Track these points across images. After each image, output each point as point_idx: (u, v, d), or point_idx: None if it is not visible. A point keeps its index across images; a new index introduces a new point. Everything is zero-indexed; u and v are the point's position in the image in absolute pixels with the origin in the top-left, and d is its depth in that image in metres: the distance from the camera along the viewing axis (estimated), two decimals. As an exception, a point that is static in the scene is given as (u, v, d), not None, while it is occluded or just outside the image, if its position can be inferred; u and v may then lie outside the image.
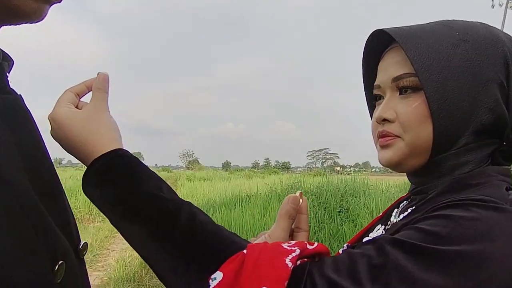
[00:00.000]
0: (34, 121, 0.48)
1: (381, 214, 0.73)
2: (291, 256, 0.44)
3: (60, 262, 0.41)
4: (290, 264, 0.43)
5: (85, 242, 0.50)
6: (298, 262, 0.45)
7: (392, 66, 0.60)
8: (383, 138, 0.60)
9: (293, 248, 0.46)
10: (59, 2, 0.47)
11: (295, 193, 0.60)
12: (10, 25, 0.45)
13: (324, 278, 0.43)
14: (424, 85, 0.54)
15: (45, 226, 0.41)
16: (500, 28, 0.65)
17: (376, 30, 0.62)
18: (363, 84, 0.71)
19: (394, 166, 0.60)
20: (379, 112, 0.60)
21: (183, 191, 13.30)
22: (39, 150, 0.47)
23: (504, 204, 0.46)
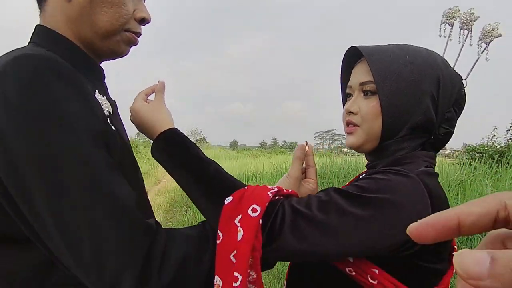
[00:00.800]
0: (121, 117, 0.83)
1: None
2: (272, 191, 0.69)
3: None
4: (270, 195, 0.67)
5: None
6: (277, 197, 0.70)
7: (361, 73, 0.81)
8: (348, 127, 0.83)
9: (274, 188, 0.70)
10: (136, 45, 0.79)
11: (302, 143, 0.86)
12: (107, 60, 0.81)
13: (290, 205, 0.67)
14: (379, 92, 0.76)
15: (141, 176, 0.82)
16: (442, 53, 0.86)
17: (352, 46, 0.84)
18: (340, 84, 0.93)
19: (356, 148, 0.82)
20: (347, 106, 0.82)
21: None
22: (126, 135, 0.82)
23: (410, 173, 0.69)
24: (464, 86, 0.83)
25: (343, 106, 0.90)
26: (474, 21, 0.82)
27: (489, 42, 0.80)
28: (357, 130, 0.81)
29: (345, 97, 0.89)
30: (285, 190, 0.72)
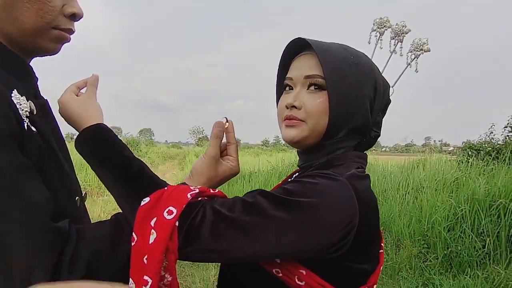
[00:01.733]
0: (54, 116, 0.81)
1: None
2: (192, 193, 0.67)
3: (77, 198, 0.78)
4: (189, 197, 0.66)
5: (85, 192, 0.85)
6: (200, 198, 0.68)
7: (307, 66, 0.78)
8: (289, 120, 0.79)
9: (195, 189, 0.68)
10: (68, 42, 0.76)
11: (221, 120, 0.84)
12: (38, 56, 0.77)
13: (212, 208, 0.66)
14: (328, 88, 0.75)
15: (71, 177, 0.78)
16: (381, 64, 0.88)
17: (297, 38, 0.80)
18: (277, 75, 0.89)
19: (295, 142, 0.80)
20: (290, 99, 0.79)
21: (190, 167, 13.50)
22: (61, 134, 0.81)
23: (339, 176, 0.68)
24: (391, 93, 0.85)
25: (277, 99, 0.88)
26: (406, 33, 0.82)
27: (418, 55, 0.81)
28: (301, 124, 0.78)
29: (281, 89, 0.87)
30: (211, 191, 0.72)
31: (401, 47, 0.85)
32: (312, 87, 0.77)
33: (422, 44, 0.80)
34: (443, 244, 4.04)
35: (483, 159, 6.34)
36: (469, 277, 3.53)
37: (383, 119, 0.86)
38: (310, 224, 0.63)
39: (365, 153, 0.84)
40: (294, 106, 0.78)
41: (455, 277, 3.62)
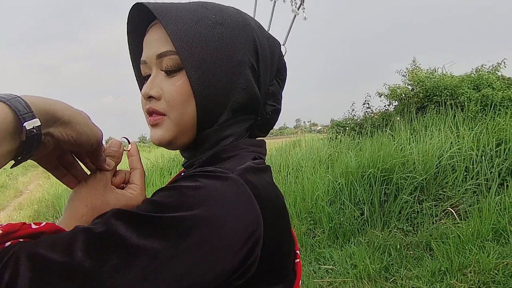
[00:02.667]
0: None
1: None
2: None
3: None
4: None
5: None
6: (9, 243, 0.41)
7: (156, 42, 0.60)
8: (151, 117, 0.61)
9: None
10: None
11: (118, 140, 0.60)
12: None
13: (31, 254, 0.39)
14: (185, 64, 0.56)
15: None
16: (253, 14, 0.69)
17: (138, 3, 0.60)
18: (130, 58, 0.69)
19: (165, 144, 0.62)
20: (145, 88, 0.60)
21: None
22: None
23: (229, 173, 0.51)
24: (284, 53, 0.69)
25: (140, 90, 0.67)
26: None
27: None
28: (164, 121, 0.60)
29: (141, 77, 0.67)
30: (32, 226, 0.44)
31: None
32: (168, 69, 0.59)
33: None
34: (327, 218, 4.26)
35: (349, 134, 6.96)
36: (354, 245, 3.79)
37: (283, 89, 0.71)
38: (196, 249, 0.44)
39: (262, 140, 0.67)
40: (151, 97, 0.60)
41: (342, 247, 3.84)
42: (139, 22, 0.65)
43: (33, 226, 0.44)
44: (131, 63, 0.69)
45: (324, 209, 4.33)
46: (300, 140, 8.31)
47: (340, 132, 7.36)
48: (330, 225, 4.18)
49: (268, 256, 0.51)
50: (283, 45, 0.69)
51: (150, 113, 0.61)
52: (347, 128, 7.50)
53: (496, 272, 2.89)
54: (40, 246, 0.41)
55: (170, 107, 0.59)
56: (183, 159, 0.69)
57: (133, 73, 0.71)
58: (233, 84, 0.60)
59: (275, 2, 0.66)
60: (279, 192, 0.60)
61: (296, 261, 0.64)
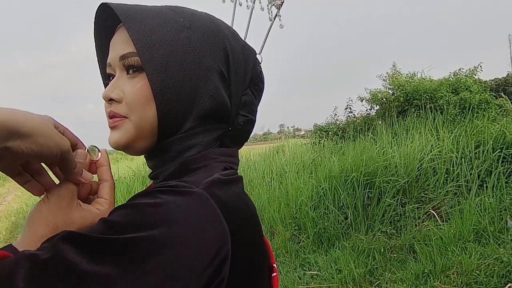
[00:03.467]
0: None
1: None
2: None
3: None
4: None
5: None
6: None
7: (120, 44, 0.58)
8: (112, 119, 0.58)
9: None
10: None
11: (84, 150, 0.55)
12: None
13: None
14: (145, 66, 0.54)
15: None
16: (230, 22, 0.67)
17: (103, 3, 0.59)
18: (97, 61, 0.67)
19: (123, 148, 0.58)
20: (106, 91, 0.58)
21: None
22: None
23: (193, 187, 0.47)
24: (260, 62, 0.66)
25: None
26: None
27: (280, 5, 0.65)
28: (124, 123, 0.57)
29: (107, 80, 0.64)
30: None
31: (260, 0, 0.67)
32: (130, 71, 0.57)
33: None
34: (312, 223, 4.25)
35: (332, 139, 7.00)
36: (338, 249, 3.79)
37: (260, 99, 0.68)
38: (155, 274, 0.40)
39: (234, 149, 0.64)
40: (112, 99, 0.58)
41: (327, 252, 3.83)
42: (107, 24, 0.63)
43: None
44: (98, 66, 0.67)
45: (309, 214, 4.32)
46: (284, 145, 8.31)
47: (323, 137, 7.40)
48: (315, 230, 4.17)
49: (238, 272, 0.49)
50: (259, 53, 0.67)
51: (111, 116, 0.58)
52: (329, 132, 7.55)
53: (478, 272, 2.92)
54: None
55: (130, 109, 0.56)
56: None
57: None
58: (199, 90, 0.57)
59: (252, 10, 0.64)
60: (251, 204, 0.57)
61: (272, 275, 0.61)
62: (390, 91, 7.23)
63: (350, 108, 7.80)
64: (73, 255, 0.39)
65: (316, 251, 3.92)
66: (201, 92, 0.57)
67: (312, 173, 5.33)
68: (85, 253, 0.40)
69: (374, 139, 5.62)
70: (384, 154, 4.87)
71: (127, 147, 0.59)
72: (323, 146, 6.53)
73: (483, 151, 4.44)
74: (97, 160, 0.57)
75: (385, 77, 7.57)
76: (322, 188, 4.61)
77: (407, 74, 7.49)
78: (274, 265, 0.63)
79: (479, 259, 3.05)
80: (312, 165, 5.77)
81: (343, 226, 4.18)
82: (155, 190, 0.48)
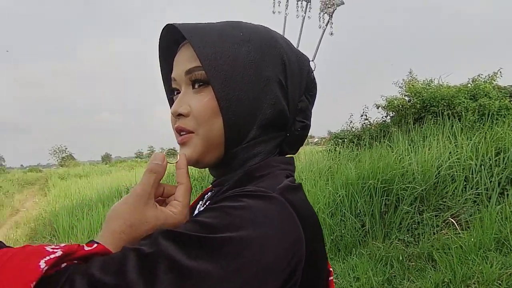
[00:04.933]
0: None
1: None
2: (48, 258, 0.41)
3: None
4: (43, 266, 0.39)
5: None
6: (64, 265, 0.43)
7: (185, 60, 0.61)
8: (180, 136, 0.61)
9: (55, 250, 0.42)
10: None
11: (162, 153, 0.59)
12: None
13: (86, 277, 0.41)
14: (211, 80, 0.57)
15: None
16: (282, 32, 0.71)
17: (168, 24, 0.63)
18: (161, 77, 0.70)
19: (194, 163, 0.61)
20: (174, 106, 0.61)
21: (55, 192, 12.06)
22: None
23: (271, 192, 0.51)
24: (313, 69, 0.68)
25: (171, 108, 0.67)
26: None
27: (332, 13, 0.66)
28: (192, 139, 0.60)
29: (172, 95, 0.68)
30: (85, 248, 0.45)
31: (309, 8, 0.69)
32: (196, 85, 0.60)
33: None
34: (329, 230, 4.23)
35: (348, 146, 6.96)
36: (356, 257, 3.76)
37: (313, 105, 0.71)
38: (245, 270, 0.44)
39: (292, 157, 0.67)
40: (180, 114, 0.60)
41: (344, 260, 3.81)
42: (170, 42, 0.66)
43: (86, 248, 0.45)
44: (162, 83, 0.71)
45: (325, 221, 4.31)
46: (300, 152, 8.30)
47: (338, 144, 7.37)
48: (332, 237, 4.15)
49: (307, 274, 0.51)
50: (312, 60, 0.70)
51: (178, 131, 0.61)
52: (345, 140, 7.51)
53: (500, 282, 2.87)
54: (93, 268, 0.42)
55: (198, 123, 0.59)
56: (212, 177, 0.69)
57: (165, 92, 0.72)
58: (261, 100, 0.60)
59: (303, 19, 0.66)
60: (313, 210, 0.59)
61: (329, 278, 0.63)
62: (406, 98, 7.17)
63: (366, 115, 7.76)
64: (173, 251, 0.43)
65: (333, 259, 3.90)
66: (262, 102, 0.60)
67: (328, 180, 5.32)
68: (184, 249, 0.43)
69: (391, 146, 5.58)
70: (401, 161, 4.83)
71: (198, 162, 0.61)
72: (339, 153, 6.50)
73: (503, 158, 4.37)
74: (177, 163, 0.60)
75: (402, 84, 7.52)
76: (339, 195, 4.59)
77: (423, 81, 7.42)
78: (331, 269, 0.65)
79: (500, 269, 2.99)
80: (328, 172, 5.75)
81: (360, 234, 4.15)
82: (237, 195, 0.51)
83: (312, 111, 0.70)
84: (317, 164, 6.25)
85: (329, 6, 0.66)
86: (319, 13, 0.68)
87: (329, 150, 7.31)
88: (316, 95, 0.71)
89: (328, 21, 0.67)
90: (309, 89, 0.68)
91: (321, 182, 5.24)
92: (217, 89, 0.57)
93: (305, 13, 0.70)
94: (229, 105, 0.58)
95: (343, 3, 0.66)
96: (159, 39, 0.66)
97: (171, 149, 0.61)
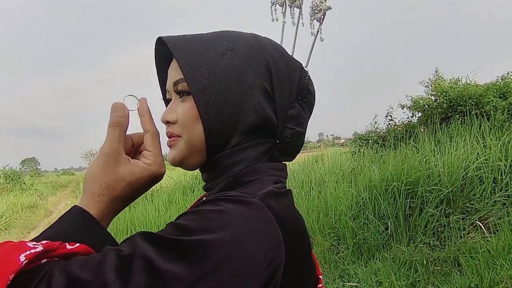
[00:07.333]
0: None
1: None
2: (29, 252, 0.43)
3: None
4: (23, 259, 0.41)
5: None
6: (44, 261, 0.45)
7: (173, 72, 0.64)
8: (169, 139, 0.64)
9: (35, 246, 0.44)
10: None
11: (119, 102, 0.60)
12: None
13: (64, 273, 0.43)
14: (191, 89, 0.59)
15: None
16: (280, 40, 0.72)
17: (159, 37, 0.66)
18: (161, 91, 0.74)
19: (178, 164, 0.64)
20: (163, 115, 0.65)
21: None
22: None
23: (251, 198, 0.52)
24: (307, 75, 0.68)
25: None
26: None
27: (321, 18, 0.67)
28: (178, 141, 0.63)
29: (167, 105, 0.70)
30: (67, 247, 0.47)
31: (302, 15, 0.70)
32: (181, 94, 0.63)
33: (320, 2, 0.66)
34: (351, 233, 4.19)
35: (372, 147, 6.86)
36: (379, 261, 3.70)
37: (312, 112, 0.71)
38: (219, 272, 0.45)
39: (283, 163, 0.68)
40: (168, 122, 0.64)
41: (367, 263, 3.76)
42: (166, 54, 0.68)
43: (68, 247, 0.47)
44: (161, 93, 0.74)
45: (348, 224, 4.27)
46: (323, 154, 8.25)
47: (362, 145, 7.28)
48: (354, 240, 4.11)
49: (288, 281, 0.51)
50: (305, 67, 0.69)
51: (168, 136, 0.65)
52: (369, 141, 7.41)
53: (530, 288, 2.77)
54: (73, 265, 0.44)
55: (183, 129, 0.62)
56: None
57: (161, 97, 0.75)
58: (242, 107, 0.61)
59: (297, 27, 0.67)
60: (300, 217, 0.60)
61: (318, 286, 0.64)
62: (432, 98, 7.00)
63: (390, 115, 7.63)
64: (150, 252, 0.44)
65: (355, 262, 3.86)
66: (244, 109, 0.61)
67: (351, 182, 5.26)
68: (160, 251, 0.45)
69: (416, 147, 5.46)
70: (426, 163, 4.72)
71: (182, 163, 0.64)
72: (363, 154, 6.42)
73: (534, 159, 4.20)
74: (137, 109, 0.62)
75: (427, 83, 7.35)
76: (362, 197, 4.54)
77: (450, 80, 7.22)
78: (320, 276, 0.66)
79: (530, 274, 2.88)
80: (351, 174, 5.69)
81: (384, 237, 4.08)
82: (217, 199, 0.52)
83: (309, 118, 0.70)
84: (340, 166, 6.19)
85: (317, 12, 0.67)
86: (310, 20, 0.69)
87: (353, 151, 7.23)
88: (314, 102, 0.71)
89: (319, 28, 0.68)
90: (302, 96, 0.68)
91: (344, 185, 5.19)
92: (196, 97, 0.59)
93: (297, 20, 0.71)
94: (209, 112, 0.59)
95: (330, 8, 0.67)
96: (155, 50, 0.69)
97: (130, 95, 0.63)
